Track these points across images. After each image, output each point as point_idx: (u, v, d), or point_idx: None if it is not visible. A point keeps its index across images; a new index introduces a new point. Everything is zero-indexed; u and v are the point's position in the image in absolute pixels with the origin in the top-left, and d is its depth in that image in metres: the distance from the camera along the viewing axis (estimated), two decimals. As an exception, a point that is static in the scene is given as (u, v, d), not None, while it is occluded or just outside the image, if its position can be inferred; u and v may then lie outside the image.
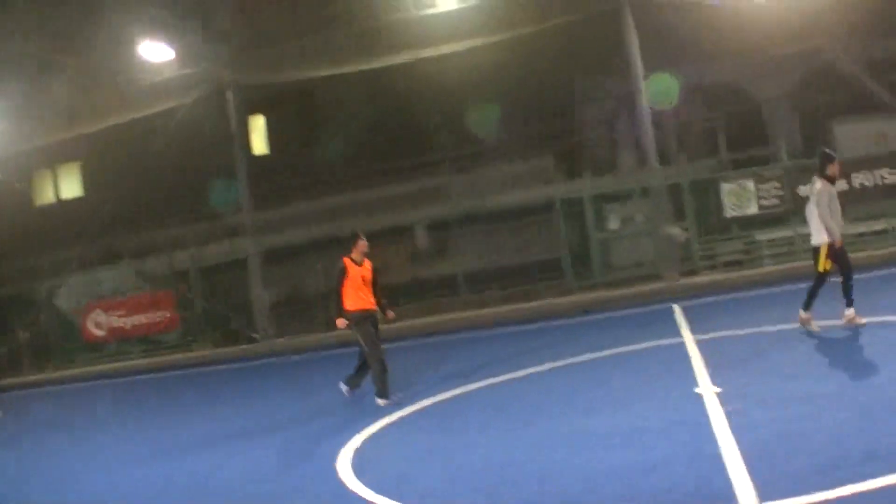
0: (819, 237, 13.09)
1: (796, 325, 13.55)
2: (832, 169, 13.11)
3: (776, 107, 30.36)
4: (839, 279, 13.03)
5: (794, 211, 22.69)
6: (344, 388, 13.40)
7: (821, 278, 13.12)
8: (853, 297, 12.97)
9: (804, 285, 19.07)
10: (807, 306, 13.18)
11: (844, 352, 11.69)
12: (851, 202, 23.30)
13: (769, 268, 22.15)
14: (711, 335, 14.39)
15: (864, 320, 12.85)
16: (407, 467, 9.31)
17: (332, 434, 11.21)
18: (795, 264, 21.82)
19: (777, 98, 30.31)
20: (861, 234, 22.89)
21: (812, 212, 13.21)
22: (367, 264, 13.00)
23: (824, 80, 29.55)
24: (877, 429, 7.78)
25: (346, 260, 12.80)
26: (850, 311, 12.96)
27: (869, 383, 9.59)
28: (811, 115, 29.32)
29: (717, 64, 29.57)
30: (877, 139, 24.70)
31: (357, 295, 12.68)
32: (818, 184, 13.10)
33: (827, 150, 13.58)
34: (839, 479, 6.58)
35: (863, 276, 19.16)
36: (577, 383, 12.49)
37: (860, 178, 22.72)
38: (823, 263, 13.06)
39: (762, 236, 23.29)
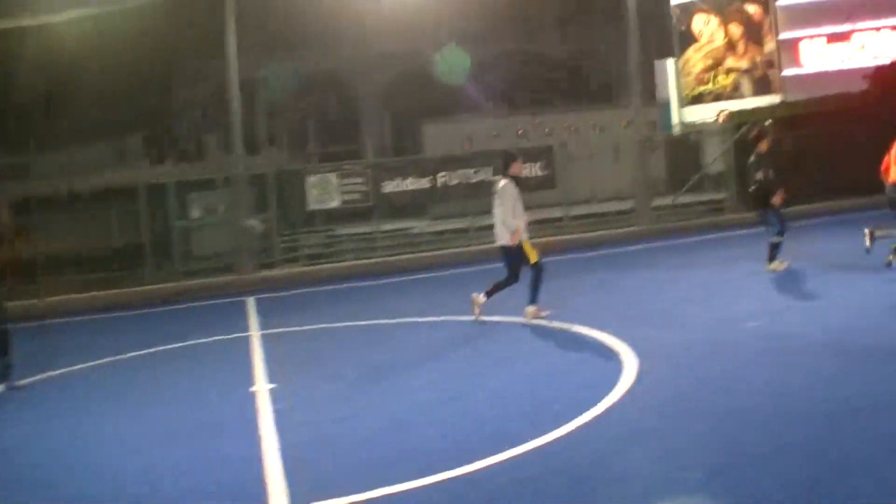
0: (508, 236, 13.14)
1: (365, 323, 13.97)
2: (515, 168, 13.36)
3: (370, 103, 31.11)
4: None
5: (375, 207, 23.16)
6: None
7: (537, 270, 13.23)
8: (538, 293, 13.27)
9: (383, 281, 19.85)
10: (532, 300, 13.17)
11: (401, 353, 11.91)
12: (436, 201, 24.25)
13: (349, 262, 22.46)
14: (279, 330, 14.37)
15: (545, 313, 13.19)
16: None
17: None
18: (375, 260, 22.35)
19: (372, 94, 31.05)
20: (442, 233, 23.77)
21: (497, 211, 13.32)
22: None
23: (418, 80, 30.59)
24: (410, 433, 8.06)
25: None
26: (533, 308, 13.25)
27: (422, 385, 9.86)
28: (402, 113, 30.25)
29: (317, 54, 29.85)
30: (463, 141, 25.78)
31: None
32: (502, 182, 13.29)
33: (510, 150, 13.93)
34: (371, 481, 6.69)
35: (445, 273, 20.15)
36: (135, 377, 11.99)
37: (444, 178, 23.42)
38: (532, 255, 13.18)
39: (344, 231, 23.63)
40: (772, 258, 15.58)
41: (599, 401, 8.29)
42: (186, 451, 8.14)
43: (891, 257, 14.50)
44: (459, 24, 28.40)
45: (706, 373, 9.20)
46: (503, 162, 13.61)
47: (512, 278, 13.32)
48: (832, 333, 10.41)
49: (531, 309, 13.12)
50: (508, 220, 13.01)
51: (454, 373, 10.34)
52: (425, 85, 30.72)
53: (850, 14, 32.49)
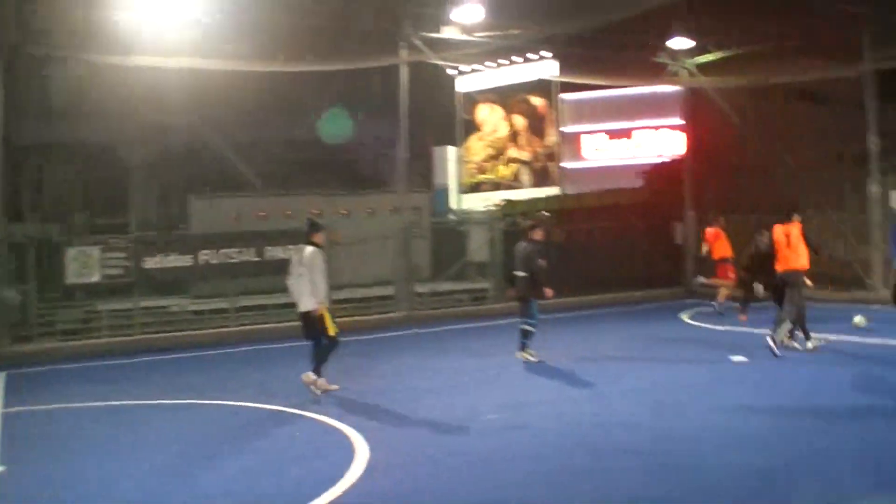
0: (314, 302, 14.00)
1: (115, 403, 14.53)
2: (319, 237, 14.32)
3: (139, 175, 31.35)
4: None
5: (137, 282, 23.32)
6: None
7: (333, 342, 14.21)
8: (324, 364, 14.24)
9: (140, 359, 20.10)
10: (317, 371, 14.15)
11: (142, 436, 12.41)
12: (198, 279, 24.61)
13: (107, 339, 22.58)
14: (25, 408, 14.52)
15: (335, 386, 14.30)
16: None
17: None
18: (135, 337, 22.55)
19: (141, 167, 31.30)
20: (202, 312, 24.13)
21: (300, 279, 14.09)
22: None
23: (189, 154, 31.00)
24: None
25: None
26: (312, 376, 14.15)
27: (157, 470, 10.35)
28: (170, 188, 30.56)
29: (86, 122, 29.92)
30: (230, 218, 26.22)
31: None
32: (308, 250, 14.10)
33: (314, 219, 14.77)
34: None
35: (203, 353, 20.55)
36: None
37: (207, 256, 23.88)
38: (332, 326, 14.17)
39: (104, 306, 23.74)
40: (523, 346, 16.76)
41: (324, 492, 8.81)
42: None
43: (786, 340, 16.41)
44: (234, 101, 29.05)
45: (435, 466, 9.88)
46: (307, 230, 14.53)
47: (316, 346, 14.34)
48: (568, 426, 11.47)
49: (311, 376, 14.11)
50: (321, 287, 14.01)
51: (190, 457, 10.76)
52: (195, 159, 31.24)
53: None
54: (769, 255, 17.42)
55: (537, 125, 36.53)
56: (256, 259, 24.06)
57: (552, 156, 35.96)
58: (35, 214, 28.13)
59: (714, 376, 14.86)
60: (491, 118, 37.50)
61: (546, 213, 28.33)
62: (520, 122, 36.90)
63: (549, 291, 16.67)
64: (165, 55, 23.31)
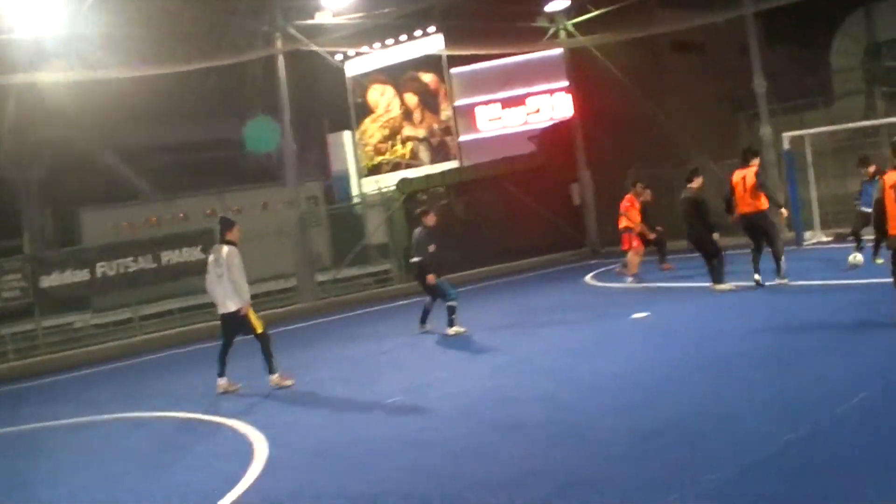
0: (234, 303, 13.99)
1: (29, 427, 14.43)
2: (233, 233, 14.20)
3: (28, 194, 30.99)
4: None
5: (36, 303, 23.13)
6: None
7: (264, 340, 14.15)
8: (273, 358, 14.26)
9: (47, 380, 19.95)
10: (271, 370, 14.20)
11: (41, 460, 12.29)
12: (97, 293, 24.47)
13: (12, 363, 22.37)
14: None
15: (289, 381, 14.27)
16: None
17: None
18: (40, 358, 22.37)
19: (30, 185, 30.95)
20: (105, 325, 24.05)
21: (220, 279, 14.03)
22: None
23: (77, 168, 30.73)
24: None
25: None
26: (275, 377, 14.21)
27: (63, 496, 10.23)
28: (62, 204, 30.26)
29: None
30: (124, 228, 26.14)
31: None
32: (225, 249, 14.03)
33: (225, 216, 14.65)
34: None
35: (109, 367, 20.45)
36: None
37: (104, 268, 23.64)
38: (258, 323, 14.16)
39: (6, 330, 23.55)
40: (451, 323, 16.96)
41: (224, 495, 8.77)
42: None
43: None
44: (118, 110, 28.85)
45: (335, 459, 9.83)
46: (221, 228, 14.47)
47: (227, 346, 14.40)
48: (470, 404, 11.40)
49: (275, 377, 14.18)
50: (242, 286, 13.97)
51: (87, 476, 10.72)
52: (85, 172, 30.94)
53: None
54: (696, 203, 17.71)
55: (431, 101, 36.66)
56: (153, 266, 23.88)
57: (448, 130, 36.09)
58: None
59: (615, 335, 15.09)
60: (383, 99, 37.61)
61: (436, 194, 28.59)
62: (412, 99, 37.03)
63: (430, 278, 16.91)
64: (41, 69, 23.16)
